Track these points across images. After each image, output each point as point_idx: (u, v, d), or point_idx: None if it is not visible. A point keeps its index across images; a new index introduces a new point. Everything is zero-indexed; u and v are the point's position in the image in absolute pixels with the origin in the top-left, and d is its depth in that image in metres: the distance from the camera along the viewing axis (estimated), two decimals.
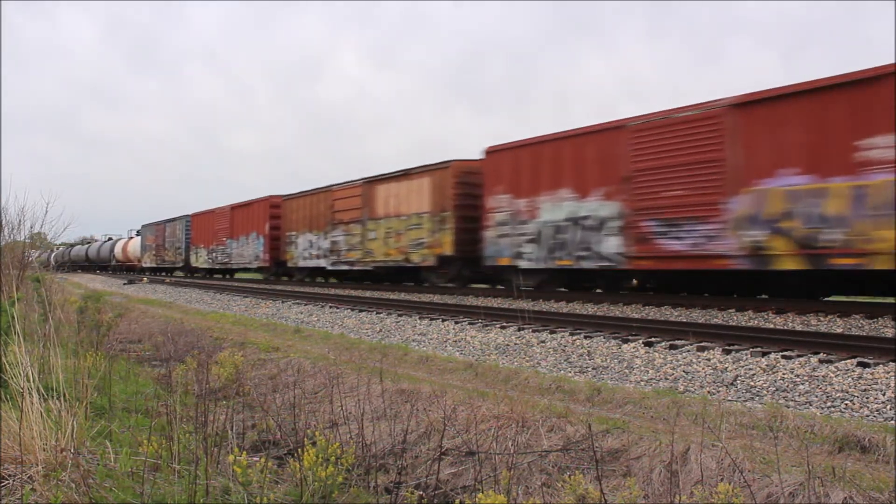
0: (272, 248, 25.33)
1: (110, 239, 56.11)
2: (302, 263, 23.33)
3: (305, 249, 23.05)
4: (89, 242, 61.98)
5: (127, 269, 47.48)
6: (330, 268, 21.65)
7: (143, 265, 41.85)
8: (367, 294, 17.55)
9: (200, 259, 32.16)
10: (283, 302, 16.14)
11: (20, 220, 12.02)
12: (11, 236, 12.36)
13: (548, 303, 13.15)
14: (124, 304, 17.35)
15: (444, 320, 10.73)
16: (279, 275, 26.76)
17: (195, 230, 33.22)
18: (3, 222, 11.87)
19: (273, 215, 25.39)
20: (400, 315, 11.83)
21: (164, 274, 39.84)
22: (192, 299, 19.80)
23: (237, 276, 33.10)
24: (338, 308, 13.88)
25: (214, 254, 30.22)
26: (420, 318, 11.17)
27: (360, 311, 13.05)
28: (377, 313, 12.41)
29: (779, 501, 3.33)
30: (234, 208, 28.59)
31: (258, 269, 27.35)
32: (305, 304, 15.10)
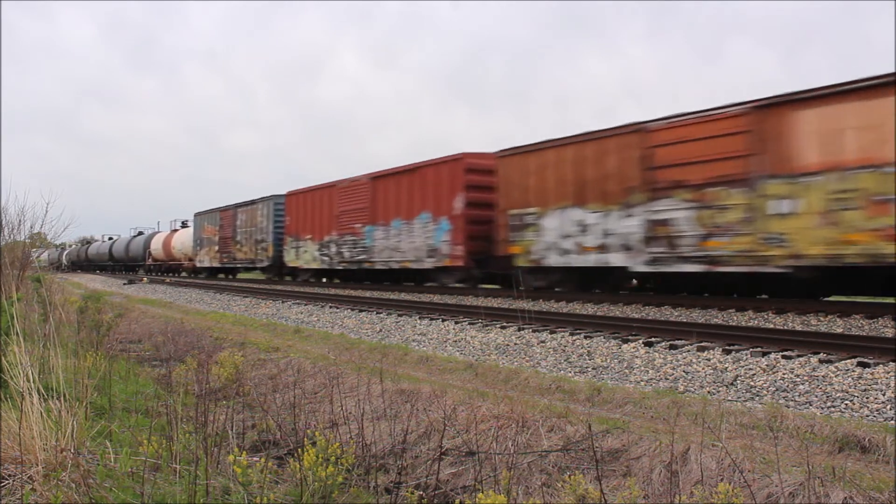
0: (470, 237, 15.72)
1: (140, 233, 46.08)
2: (552, 261, 13.59)
3: (564, 237, 13.30)
4: (111, 238, 52.32)
5: (168, 270, 38.43)
6: (643, 269, 11.85)
7: (198, 264, 32.26)
8: (367, 294, 17.53)
9: (305, 255, 22.51)
10: (282, 302, 16.15)
11: (20, 220, 12.03)
12: (11, 236, 12.37)
13: (548, 303, 13.15)
14: (124, 304, 17.36)
15: (444, 320, 10.73)
16: (482, 280, 16.76)
17: (293, 215, 23.36)
18: (3, 222, 11.88)
19: (473, 184, 15.76)
20: (400, 315, 11.83)
21: (228, 276, 31.69)
22: (192, 299, 19.80)
23: (333, 279, 23.40)
24: (338, 308, 13.88)
25: (336, 248, 20.66)
26: (420, 318, 11.17)
27: (360, 311, 13.05)
28: (377, 313, 12.41)
29: (779, 501, 3.33)
30: (380, 178, 18.91)
31: (437, 270, 16.86)
32: (305, 304, 15.10)
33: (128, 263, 44.95)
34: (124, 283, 30.61)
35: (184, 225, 38.79)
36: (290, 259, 23.63)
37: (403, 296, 16.24)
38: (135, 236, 45.78)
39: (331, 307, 14.15)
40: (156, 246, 39.37)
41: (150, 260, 40.12)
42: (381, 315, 12.14)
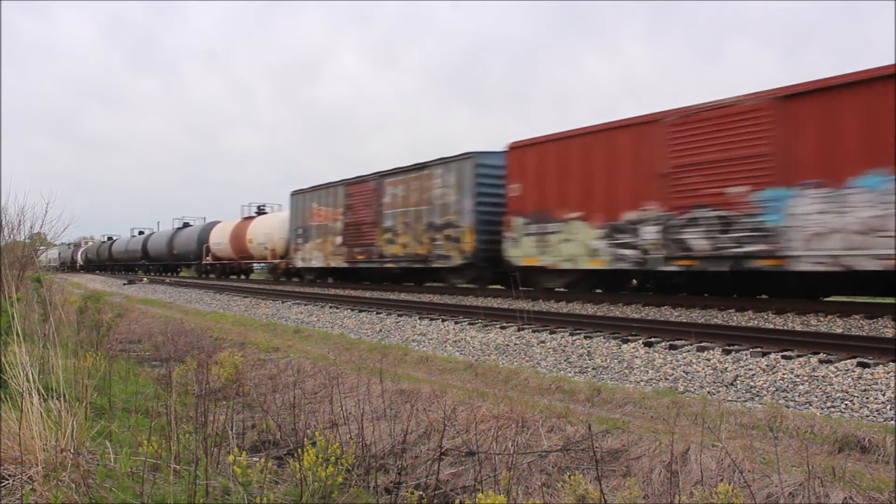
0: None
1: (186, 225, 36.91)
2: None
3: None
4: (141, 232, 44.10)
5: (238, 272, 29.85)
6: None
7: (300, 263, 22.73)
8: (367, 294, 17.53)
9: (565, 248, 13.09)
10: (282, 302, 16.15)
11: (20, 220, 12.03)
12: (11, 236, 12.37)
13: (548, 303, 13.15)
14: (124, 305, 17.36)
15: (444, 320, 10.73)
16: None
17: (530, 180, 13.96)
18: (3, 222, 11.88)
19: None
20: (400, 315, 11.83)
21: (332, 280, 22.32)
22: (192, 299, 19.80)
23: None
24: (338, 308, 13.88)
25: (663, 233, 11.49)
26: (420, 318, 11.17)
27: (360, 311, 13.05)
28: (377, 313, 12.41)
29: (779, 501, 3.33)
30: (809, 96, 9.75)
31: None
32: (305, 305, 15.10)
33: (171, 263, 36.02)
34: (124, 284, 30.62)
35: (260, 211, 29.34)
36: (522, 254, 13.95)
37: (403, 296, 16.24)
38: (180, 228, 36.52)
39: (331, 307, 14.15)
40: (218, 239, 29.46)
41: (207, 258, 30.73)
42: (381, 315, 12.14)
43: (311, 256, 21.96)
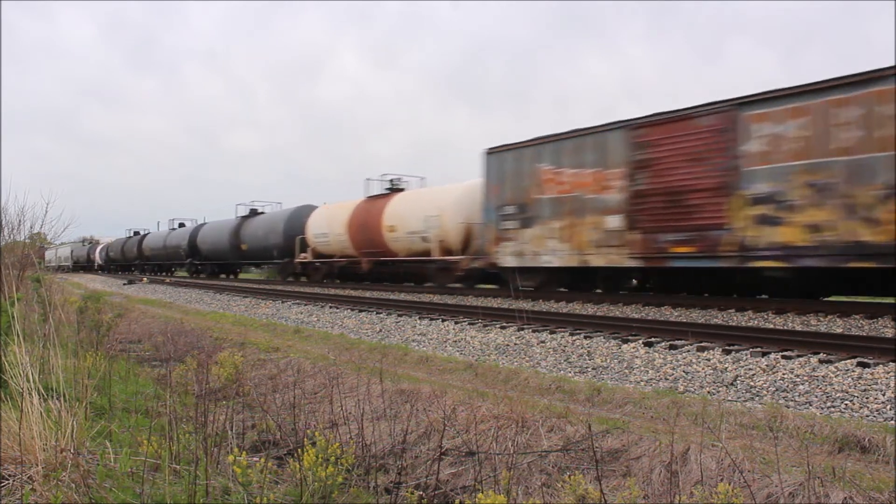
0: None
1: (254, 213, 28.12)
2: None
3: None
4: (182, 224, 35.59)
5: (359, 277, 20.15)
6: None
7: (509, 262, 13.93)
8: (367, 294, 17.52)
9: None
10: (283, 302, 16.15)
11: (20, 220, 12.03)
12: (11, 236, 12.38)
13: (548, 303, 13.14)
14: (124, 305, 17.36)
15: (444, 320, 10.73)
16: None
17: None
18: (3, 222, 11.88)
19: None
20: (400, 315, 11.83)
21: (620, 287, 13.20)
22: (192, 299, 19.79)
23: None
24: (338, 308, 13.88)
25: None
26: (420, 318, 11.17)
27: (360, 311, 13.05)
28: (377, 313, 12.41)
29: (779, 501, 3.33)
30: None
31: None
32: (305, 305, 15.10)
33: (234, 262, 27.84)
34: (124, 284, 30.63)
35: (394, 187, 19.81)
36: None
37: (403, 296, 16.23)
38: (247, 217, 27.76)
39: (331, 307, 14.15)
40: (324, 229, 21.07)
41: (303, 255, 22.36)
42: (381, 315, 12.14)
43: (539, 249, 13.41)
